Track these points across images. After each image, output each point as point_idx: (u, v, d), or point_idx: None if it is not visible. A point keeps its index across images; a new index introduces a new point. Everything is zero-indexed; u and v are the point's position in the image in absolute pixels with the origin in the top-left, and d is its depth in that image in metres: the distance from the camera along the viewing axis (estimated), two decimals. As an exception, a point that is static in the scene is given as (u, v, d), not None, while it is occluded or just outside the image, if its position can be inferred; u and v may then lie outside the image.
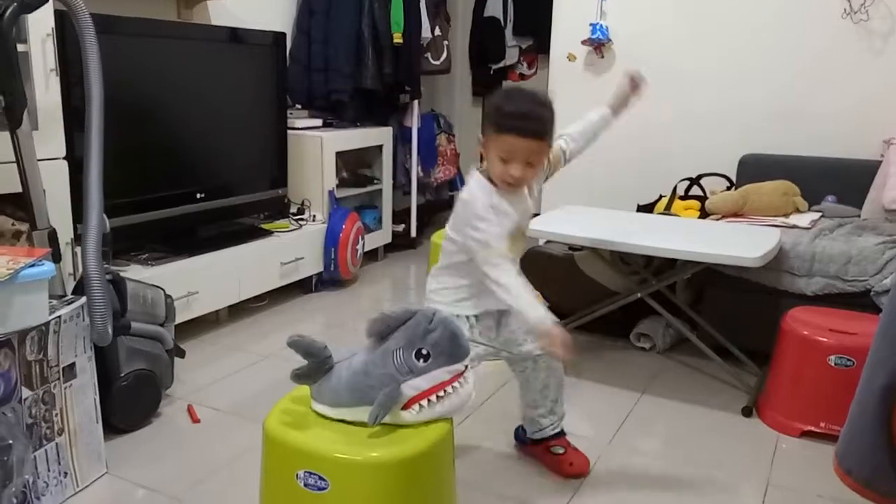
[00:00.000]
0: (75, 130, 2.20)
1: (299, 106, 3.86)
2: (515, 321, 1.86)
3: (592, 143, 2.01)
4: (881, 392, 0.81)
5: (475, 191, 1.75)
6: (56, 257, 1.97)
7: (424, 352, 1.32)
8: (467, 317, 1.81)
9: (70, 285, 2.15)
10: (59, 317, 1.73)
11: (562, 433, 2.02)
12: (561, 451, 2.00)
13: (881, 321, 0.84)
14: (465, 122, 5.47)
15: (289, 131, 3.49)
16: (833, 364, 2.13)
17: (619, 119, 2.04)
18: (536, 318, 1.64)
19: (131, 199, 2.65)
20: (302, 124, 3.65)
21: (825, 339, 2.16)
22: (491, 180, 1.75)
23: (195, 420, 2.22)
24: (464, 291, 1.81)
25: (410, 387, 1.31)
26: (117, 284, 2.11)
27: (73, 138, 2.25)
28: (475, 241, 1.71)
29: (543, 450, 2.03)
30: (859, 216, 2.87)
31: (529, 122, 1.67)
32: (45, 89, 2.15)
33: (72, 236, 2.26)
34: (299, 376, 1.37)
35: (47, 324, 1.69)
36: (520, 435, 2.11)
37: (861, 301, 2.42)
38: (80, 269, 1.90)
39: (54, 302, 1.78)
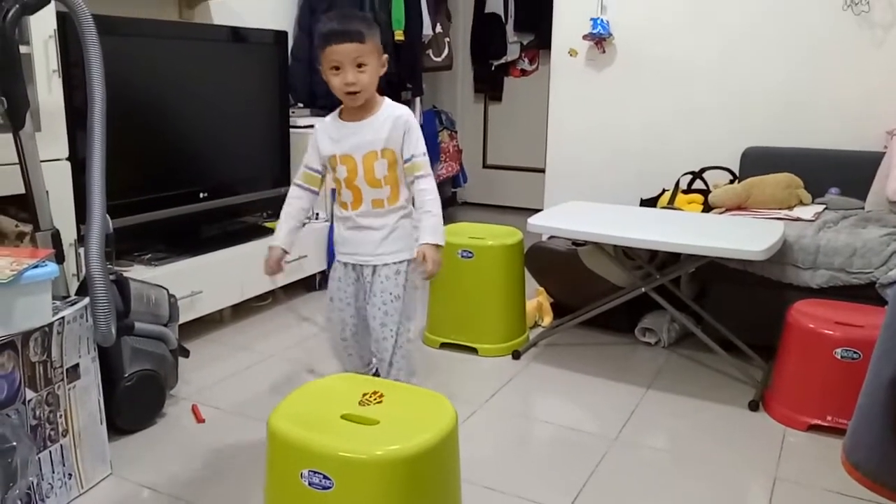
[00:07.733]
0: (78, 131, 2.20)
1: (301, 104, 3.85)
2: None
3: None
4: (889, 383, 0.80)
5: (323, 118, 2.03)
6: (59, 258, 1.97)
7: None
8: None
9: (74, 286, 2.16)
10: (63, 318, 1.73)
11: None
12: None
13: (888, 312, 0.83)
14: (468, 118, 5.47)
15: (291, 130, 3.48)
16: (839, 357, 2.12)
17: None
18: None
19: (134, 199, 2.64)
20: (304, 123, 3.64)
21: (831, 332, 2.15)
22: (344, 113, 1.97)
23: (200, 420, 2.22)
24: None
25: None
26: (121, 285, 2.11)
27: (75, 139, 2.25)
28: None
29: None
30: (863, 208, 2.86)
31: (342, 27, 1.84)
32: (48, 91, 2.15)
33: (75, 237, 2.26)
34: None
35: (51, 325, 1.69)
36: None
37: (866, 293, 2.41)
38: (84, 270, 1.90)
39: (58, 303, 1.78)
